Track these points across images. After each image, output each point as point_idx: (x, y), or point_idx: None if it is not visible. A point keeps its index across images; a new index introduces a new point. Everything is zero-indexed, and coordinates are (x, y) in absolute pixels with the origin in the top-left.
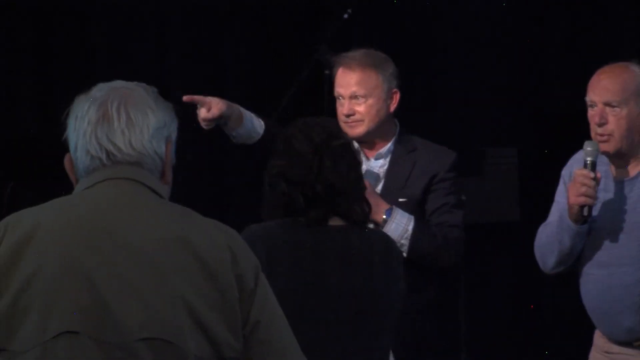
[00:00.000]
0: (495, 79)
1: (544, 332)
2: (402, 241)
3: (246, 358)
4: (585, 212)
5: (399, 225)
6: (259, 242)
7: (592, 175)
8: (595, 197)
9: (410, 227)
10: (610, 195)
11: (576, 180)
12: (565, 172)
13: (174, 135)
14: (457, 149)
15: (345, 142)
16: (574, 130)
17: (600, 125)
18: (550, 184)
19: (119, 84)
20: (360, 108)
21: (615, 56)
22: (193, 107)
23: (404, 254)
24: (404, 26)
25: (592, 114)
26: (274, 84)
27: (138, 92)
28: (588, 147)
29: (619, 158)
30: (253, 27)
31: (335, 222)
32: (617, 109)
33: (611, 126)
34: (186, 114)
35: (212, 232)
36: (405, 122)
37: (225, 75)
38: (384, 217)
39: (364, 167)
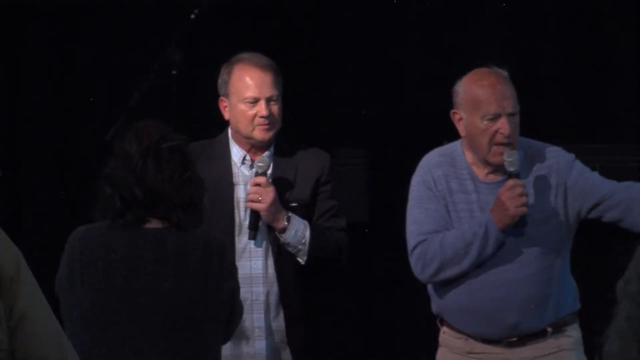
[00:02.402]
0: (345, 78)
1: (390, 332)
2: (300, 247)
3: (11, 351)
4: (522, 220)
5: (297, 232)
6: (75, 242)
7: (523, 184)
8: (528, 205)
9: (307, 233)
10: (487, 197)
11: (514, 192)
12: (425, 177)
13: None
14: None
15: (175, 144)
16: (423, 132)
17: (508, 136)
18: (399, 185)
19: None
20: (275, 110)
21: (468, 57)
22: None
23: (302, 260)
24: (254, 26)
25: (499, 127)
26: (122, 84)
27: None
28: (509, 157)
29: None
30: (102, 27)
31: (153, 224)
32: (515, 117)
33: (514, 134)
34: None
35: None
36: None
37: (77, 74)
38: (285, 224)
39: (247, 172)
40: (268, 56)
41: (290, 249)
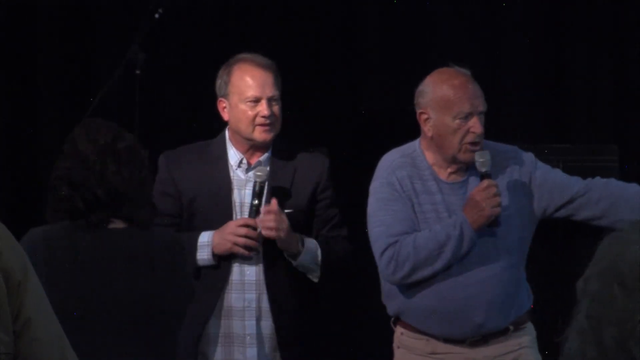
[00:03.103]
0: (305, 76)
1: (355, 333)
2: (313, 266)
3: (16, 355)
4: (495, 221)
5: (311, 254)
6: (37, 245)
7: (496, 184)
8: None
9: (319, 253)
10: (450, 197)
11: (489, 192)
12: (389, 179)
13: None
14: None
15: (130, 144)
16: (385, 131)
17: (479, 135)
18: (361, 184)
19: None
20: (276, 110)
21: (428, 57)
22: None
23: (315, 278)
24: (217, 26)
25: (471, 126)
26: (85, 84)
27: None
28: (481, 157)
29: (467, 164)
30: (64, 26)
31: (117, 225)
32: (483, 116)
33: (482, 133)
34: None
35: None
36: (225, 123)
37: (36, 74)
38: (300, 248)
39: (243, 176)
40: (226, 55)
41: (300, 269)
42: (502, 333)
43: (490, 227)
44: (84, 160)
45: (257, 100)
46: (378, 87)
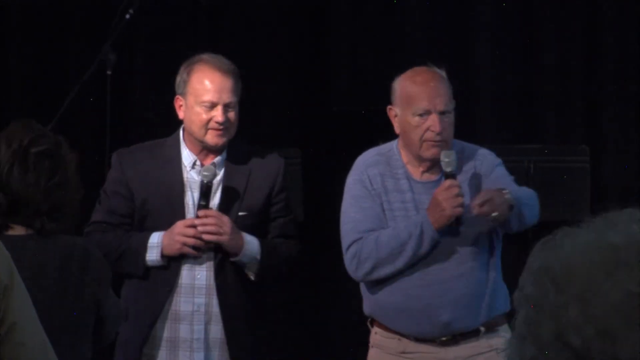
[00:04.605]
0: (278, 77)
1: (331, 332)
2: (251, 264)
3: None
4: (457, 221)
5: (251, 251)
6: None
7: (459, 184)
8: (464, 205)
9: (259, 251)
10: (421, 196)
11: (451, 192)
12: (361, 176)
13: None
14: None
15: (45, 149)
16: (359, 131)
17: (439, 133)
18: (334, 184)
19: None
20: (231, 116)
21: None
22: None
23: (252, 276)
24: (188, 27)
25: (430, 124)
26: (56, 84)
27: None
28: (446, 157)
29: (433, 162)
30: (36, 28)
31: (16, 231)
32: (449, 116)
33: (445, 132)
34: None
35: None
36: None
37: (6, 75)
38: (243, 245)
39: (196, 177)
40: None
41: (239, 264)
42: (473, 334)
43: (451, 227)
44: None
45: (213, 106)
46: (349, 87)
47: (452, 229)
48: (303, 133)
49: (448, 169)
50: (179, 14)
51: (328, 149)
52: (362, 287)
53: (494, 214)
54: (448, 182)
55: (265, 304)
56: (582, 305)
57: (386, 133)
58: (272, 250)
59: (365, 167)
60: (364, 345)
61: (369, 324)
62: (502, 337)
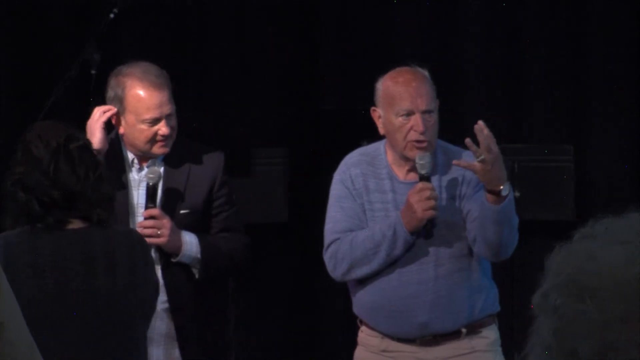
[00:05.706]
0: (265, 77)
1: (317, 332)
2: (193, 263)
3: None
4: (430, 223)
5: (190, 252)
6: None
7: (433, 187)
8: (437, 208)
9: (199, 251)
10: (403, 197)
11: (422, 195)
12: (343, 176)
13: None
14: (226, 149)
15: (83, 143)
16: (345, 131)
17: (422, 133)
18: (320, 184)
19: None
20: (173, 124)
21: (390, 56)
22: None
23: (196, 273)
24: (173, 25)
25: (413, 124)
26: (40, 84)
27: None
28: (420, 160)
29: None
30: (18, 27)
31: (75, 225)
32: (433, 115)
33: (429, 132)
34: None
35: None
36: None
37: None
38: (182, 249)
39: (136, 176)
40: (183, 55)
41: (183, 263)
42: (453, 335)
43: (425, 229)
44: (37, 164)
45: (156, 121)
46: (337, 87)
47: (429, 231)
48: (291, 133)
49: (422, 172)
50: (165, 13)
51: (316, 148)
52: (349, 286)
53: (483, 156)
54: (420, 184)
55: (220, 300)
56: (632, 325)
57: (374, 133)
58: (212, 248)
59: (348, 167)
60: (355, 344)
61: (358, 322)
62: (484, 337)
